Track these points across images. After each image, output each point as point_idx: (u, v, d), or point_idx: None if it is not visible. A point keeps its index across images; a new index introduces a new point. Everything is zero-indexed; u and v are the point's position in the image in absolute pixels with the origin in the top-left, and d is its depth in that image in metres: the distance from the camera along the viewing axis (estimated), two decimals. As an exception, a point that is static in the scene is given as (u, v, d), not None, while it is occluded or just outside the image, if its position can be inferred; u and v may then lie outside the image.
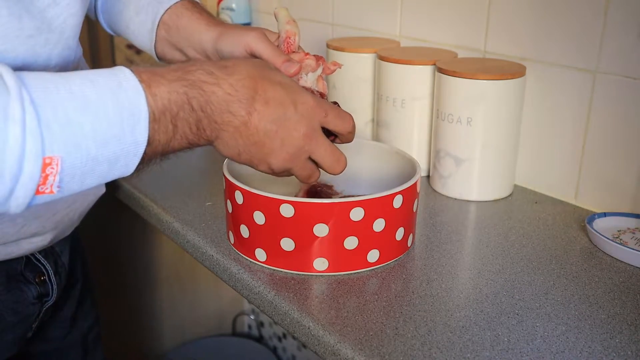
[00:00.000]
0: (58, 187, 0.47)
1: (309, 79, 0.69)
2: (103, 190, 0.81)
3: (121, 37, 0.87)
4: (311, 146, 0.61)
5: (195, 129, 0.55)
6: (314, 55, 0.70)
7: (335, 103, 0.68)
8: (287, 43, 0.71)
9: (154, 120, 0.51)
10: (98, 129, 0.48)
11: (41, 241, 0.73)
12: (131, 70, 0.51)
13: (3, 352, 0.76)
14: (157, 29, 0.77)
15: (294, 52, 0.71)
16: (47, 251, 0.77)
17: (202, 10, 0.77)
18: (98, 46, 1.59)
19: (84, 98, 0.48)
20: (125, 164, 0.51)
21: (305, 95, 0.61)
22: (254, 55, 0.70)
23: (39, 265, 0.76)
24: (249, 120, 0.57)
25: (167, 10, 0.77)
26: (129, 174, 0.52)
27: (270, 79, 0.59)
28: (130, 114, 0.50)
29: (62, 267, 0.80)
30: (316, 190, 0.81)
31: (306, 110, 0.60)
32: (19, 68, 0.58)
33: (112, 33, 0.86)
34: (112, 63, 1.60)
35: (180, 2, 0.77)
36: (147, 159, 0.53)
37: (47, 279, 0.77)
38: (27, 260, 0.75)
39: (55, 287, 0.78)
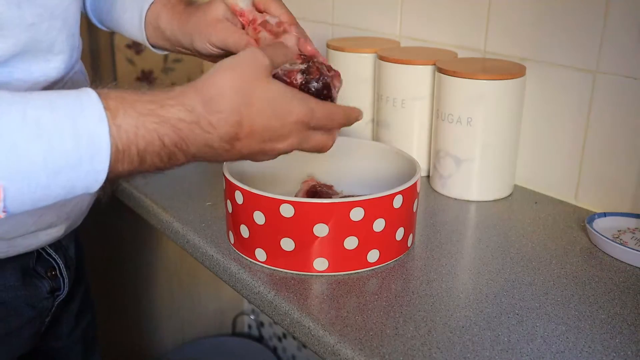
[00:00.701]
0: (4, 212, 0.46)
1: (286, 67, 0.63)
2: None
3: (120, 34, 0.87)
4: (301, 146, 0.60)
5: (166, 159, 0.52)
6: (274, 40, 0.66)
7: (332, 71, 0.64)
8: (241, 16, 0.69)
9: (117, 151, 0.49)
10: (49, 158, 0.46)
11: (56, 232, 0.74)
12: (98, 96, 0.49)
13: (20, 348, 0.77)
14: (145, 26, 0.77)
15: (254, 19, 0.68)
16: (57, 245, 0.78)
17: (175, 3, 0.76)
18: (98, 46, 1.59)
19: (37, 123, 0.45)
20: (85, 187, 0.49)
21: (293, 111, 0.57)
22: (222, 49, 0.69)
23: (50, 259, 0.77)
24: (232, 149, 0.55)
25: (149, 8, 0.77)
26: (91, 193, 0.51)
27: (257, 105, 0.55)
28: (89, 143, 0.47)
29: (70, 260, 0.81)
30: (316, 190, 0.81)
31: (294, 127, 0.57)
32: (19, 54, 0.57)
33: (106, 29, 0.87)
34: (112, 63, 1.60)
35: None
36: (111, 181, 0.51)
37: (57, 273, 0.78)
38: (38, 255, 0.76)
39: (66, 281, 0.79)
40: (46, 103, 0.47)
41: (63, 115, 0.47)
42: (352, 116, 0.62)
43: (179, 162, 0.54)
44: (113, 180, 0.51)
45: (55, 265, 0.78)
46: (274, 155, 0.60)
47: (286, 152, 0.59)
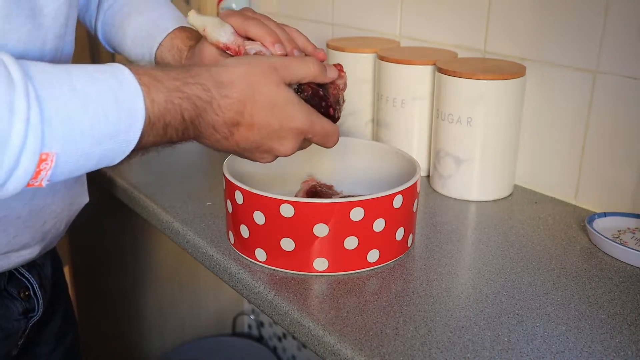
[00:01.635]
0: (48, 180, 0.48)
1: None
2: (87, 199, 0.82)
3: None
4: (296, 149, 0.63)
5: (180, 134, 0.56)
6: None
7: (337, 65, 0.67)
8: (227, 49, 0.67)
9: (148, 124, 0.52)
10: (96, 126, 0.49)
11: (30, 254, 0.72)
12: (130, 71, 0.52)
13: None
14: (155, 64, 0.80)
15: (240, 49, 0.67)
16: (31, 264, 0.76)
17: (181, 47, 0.77)
18: (98, 47, 1.59)
19: (85, 95, 0.48)
20: (111, 159, 0.52)
21: (295, 117, 0.60)
22: None
23: (23, 279, 0.75)
24: (230, 137, 0.59)
25: (156, 51, 0.79)
26: (113, 164, 0.54)
27: (261, 102, 0.58)
28: (127, 115, 0.50)
29: (46, 279, 0.79)
30: (316, 190, 0.81)
31: (292, 132, 0.61)
32: (21, 51, 0.59)
33: (111, 50, 0.88)
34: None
35: (165, 41, 0.78)
36: (130, 155, 0.54)
37: (31, 294, 0.76)
38: (10, 275, 0.73)
39: (40, 301, 0.77)
40: (87, 76, 0.49)
41: (106, 88, 0.50)
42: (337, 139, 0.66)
43: (187, 138, 0.57)
44: (129, 157, 0.54)
45: (28, 285, 0.75)
46: (271, 155, 0.63)
47: (284, 155, 0.62)
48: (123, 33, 0.82)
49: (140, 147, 0.53)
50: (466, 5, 0.96)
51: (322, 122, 0.63)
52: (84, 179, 0.81)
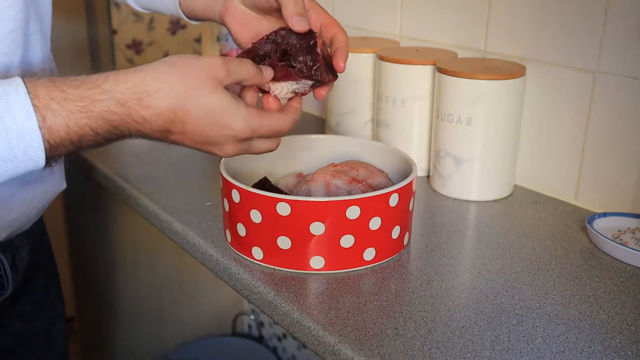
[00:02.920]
0: None
1: (282, 91, 0.64)
2: (63, 186, 0.81)
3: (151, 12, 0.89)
4: (242, 153, 0.61)
5: (104, 141, 0.55)
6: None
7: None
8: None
9: (50, 146, 0.52)
10: None
11: None
12: (27, 90, 0.51)
13: None
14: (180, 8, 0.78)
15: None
16: (5, 245, 0.76)
17: None
18: (98, 46, 1.59)
19: None
20: (28, 171, 0.53)
21: (231, 126, 0.57)
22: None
23: None
24: (165, 140, 0.58)
25: None
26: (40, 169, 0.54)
27: (195, 110, 0.56)
28: (19, 138, 0.51)
29: (20, 261, 0.79)
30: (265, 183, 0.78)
31: (230, 139, 0.59)
32: None
33: (142, 10, 0.88)
34: (112, 63, 1.60)
35: None
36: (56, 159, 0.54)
37: (2, 273, 0.76)
38: None
39: (10, 281, 0.77)
40: None
41: None
42: (296, 121, 0.63)
43: (119, 140, 0.57)
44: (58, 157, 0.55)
45: (0, 265, 0.76)
46: (214, 154, 0.61)
47: (226, 156, 0.61)
48: None
49: (58, 156, 0.54)
50: (466, 5, 0.96)
51: (269, 121, 0.60)
52: (61, 168, 0.81)
